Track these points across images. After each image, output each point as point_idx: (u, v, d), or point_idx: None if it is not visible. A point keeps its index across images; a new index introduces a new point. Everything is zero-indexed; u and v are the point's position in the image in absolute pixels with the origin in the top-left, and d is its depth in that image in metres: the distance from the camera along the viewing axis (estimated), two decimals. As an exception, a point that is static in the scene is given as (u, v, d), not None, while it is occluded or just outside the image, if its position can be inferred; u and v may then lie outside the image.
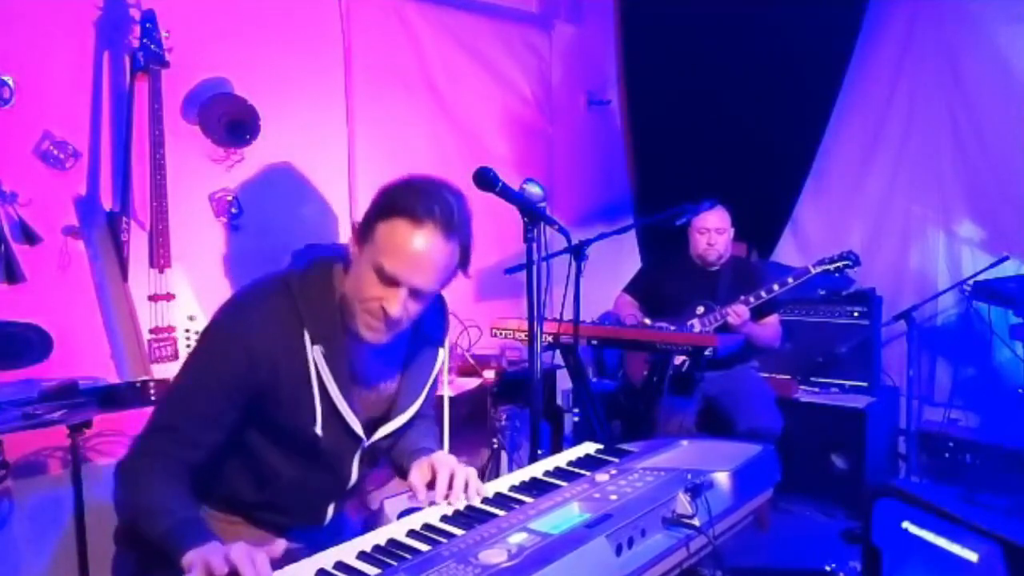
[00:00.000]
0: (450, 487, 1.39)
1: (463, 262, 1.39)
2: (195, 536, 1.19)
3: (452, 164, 3.67)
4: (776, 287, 3.22)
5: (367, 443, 1.48)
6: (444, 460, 1.44)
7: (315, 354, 1.37)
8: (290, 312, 1.37)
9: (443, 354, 1.59)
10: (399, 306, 1.31)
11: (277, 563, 1.13)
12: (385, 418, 1.52)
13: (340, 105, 3.33)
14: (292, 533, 1.45)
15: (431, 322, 1.55)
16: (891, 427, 3.84)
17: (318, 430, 1.38)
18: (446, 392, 1.69)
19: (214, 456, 1.39)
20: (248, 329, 1.34)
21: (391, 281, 1.30)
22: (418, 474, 1.45)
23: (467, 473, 1.41)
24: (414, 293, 1.33)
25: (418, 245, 1.28)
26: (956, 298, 3.72)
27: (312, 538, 1.46)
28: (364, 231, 1.33)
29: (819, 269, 3.23)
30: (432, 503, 1.38)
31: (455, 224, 1.31)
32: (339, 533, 1.51)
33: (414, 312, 1.36)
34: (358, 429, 1.44)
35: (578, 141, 4.51)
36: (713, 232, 3.36)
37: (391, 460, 1.62)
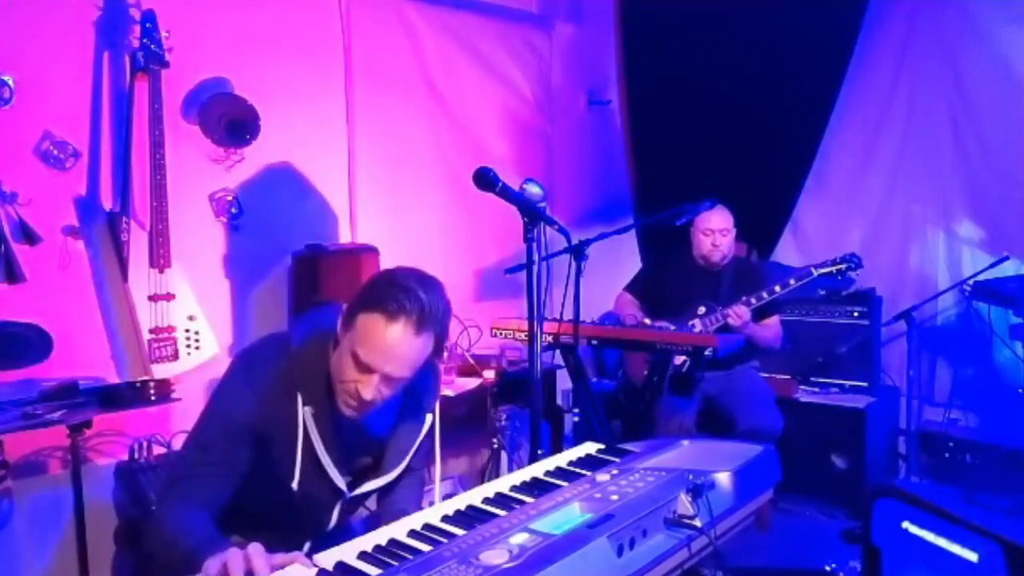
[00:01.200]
0: None
1: (436, 350, 1.51)
2: (215, 550, 1.22)
3: (452, 164, 3.68)
4: (777, 288, 3.22)
5: (349, 496, 1.61)
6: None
7: (305, 414, 1.50)
8: (287, 375, 1.51)
9: (431, 419, 1.69)
10: (371, 391, 1.44)
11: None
12: (374, 470, 1.65)
13: (340, 105, 3.33)
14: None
15: (423, 388, 1.65)
16: (891, 427, 3.84)
17: (295, 484, 1.51)
18: (437, 474, 1.78)
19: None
20: (254, 385, 1.49)
21: (365, 368, 1.43)
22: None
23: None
24: (387, 379, 1.44)
25: (390, 339, 1.40)
26: (956, 298, 3.72)
27: None
28: (347, 319, 1.46)
29: (821, 271, 3.23)
30: None
31: (427, 319, 1.42)
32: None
33: (388, 395, 1.48)
34: (340, 484, 1.57)
35: (578, 141, 4.51)
36: (718, 233, 3.36)
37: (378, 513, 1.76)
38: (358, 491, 1.62)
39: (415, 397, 1.65)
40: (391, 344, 1.40)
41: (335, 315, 1.53)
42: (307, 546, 1.58)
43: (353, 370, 1.44)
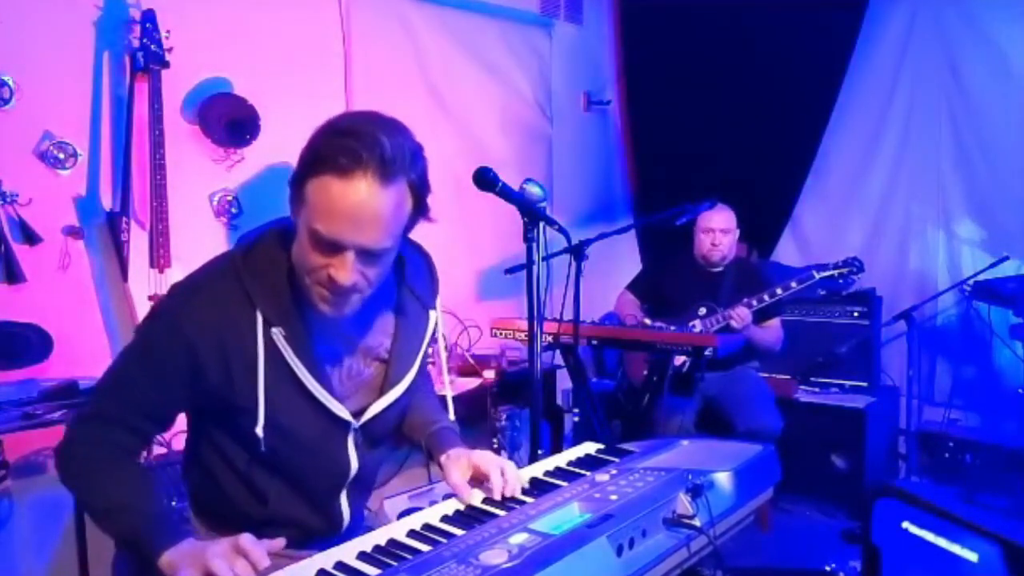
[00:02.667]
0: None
1: (418, 207, 1.23)
2: (168, 534, 1.17)
3: (452, 164, 3.68)
4: (779, 291, 3.21)
5: (357, 424, 1.35)
6: (488, 459, 1.38)
7: (275, 336, 1.23)
8: (238, 292, 1.23)
9: (435, 316, 1.45)
10: (349, 273, 1.15)
11: (280, 563, 1.13)
12: (379, 387, 1.39)
13: (340, 105, 3.33)
14: (315, 544, 1.38)
15: (419, 283, 1.43)
16: (891, 427, 3.84)
17: (259, 429, 1.25)
18: (447, 383, 1.62)
19: (208, 475, 1.37)
20: (192, 322, 1.21)
21: (333, 246, 1.14)
22: (458, 473, 1.37)
23: (511, 467, 1.36)
24: (365, 255, 1.16)
25: (352, 199, 1.11)
26: (956, 298, 3.72)
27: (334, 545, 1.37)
28: (296, 194, 1.18)
29: (823, 275, 3.22)
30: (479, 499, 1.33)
31: (392, 165, 1.13)
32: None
33: (374, 276, 1.20)
34: (341, 412, 1.31)
35: (578, 141, 4.51)
36: (718, 232, 3.36)
37: (407, 436, 1.53)
38: (366, 417, 1.36)
39: (411, 293, 1.41)
40: (354, 206, 1.11)
41: (279, 227, 1.29)
42: (345, 508, 1.43)
43: (318, 255, 1.16)
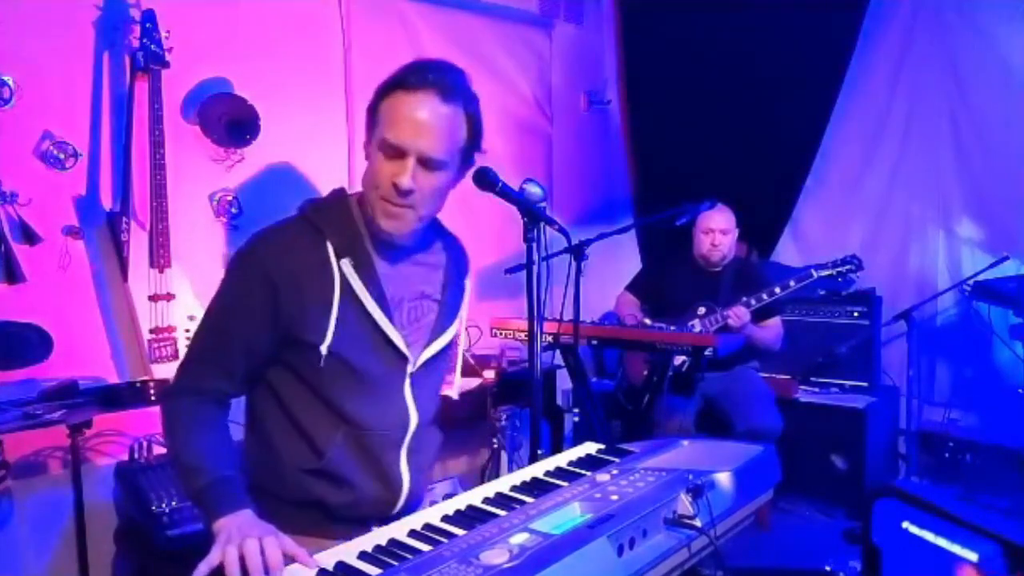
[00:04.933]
0: None
1: (473, 136, 1.41)
2: (228, 502, 1.21)
3: (452, 164, 3.68)
4: (778, 290, 3.22)
5: (414, 365, 1.44)
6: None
7: (345, 267, 1.36)
8: (311, 231, 1.37)
9: (468, 286, 1.61)
10: (408, 176, 1.30)
11: (304, 542, 1.15)
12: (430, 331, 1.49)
13: (340, 105, 3.33)
14: (368, 520, 1.41)
15: (456, 254, 1.59)
16: (891, 427, 3.84)
17: (324, 348, 1.33)
18: (458, 371, 1.69)
19: (265, 438, 1.40)
20: (269, 258, 1.34)
21: (397, 152, 1.31)
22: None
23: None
24: (424, 163, 1.32)
25: (415, 109, 1.30)
26: (956, 298, 3.72)
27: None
28: (370, 119, 1.36)
29: (822, 274, 3.22)
30: None
31: (453, 90, 1.33)
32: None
33: (427, 187, 1.34)
34: (401, 344, 1.40)
35: (578, 141, 4.51)
36: (718, 232, 3.36)
37: None
38: (421, 358, 1.45)
39: (453, 261, 1.56)
40: (416, 112, 1.30)
41: (336, 189, 1.47)
42: (405, 476, 1.45)
43: (386, 164, 1.32)
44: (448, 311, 1.52)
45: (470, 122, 1.39)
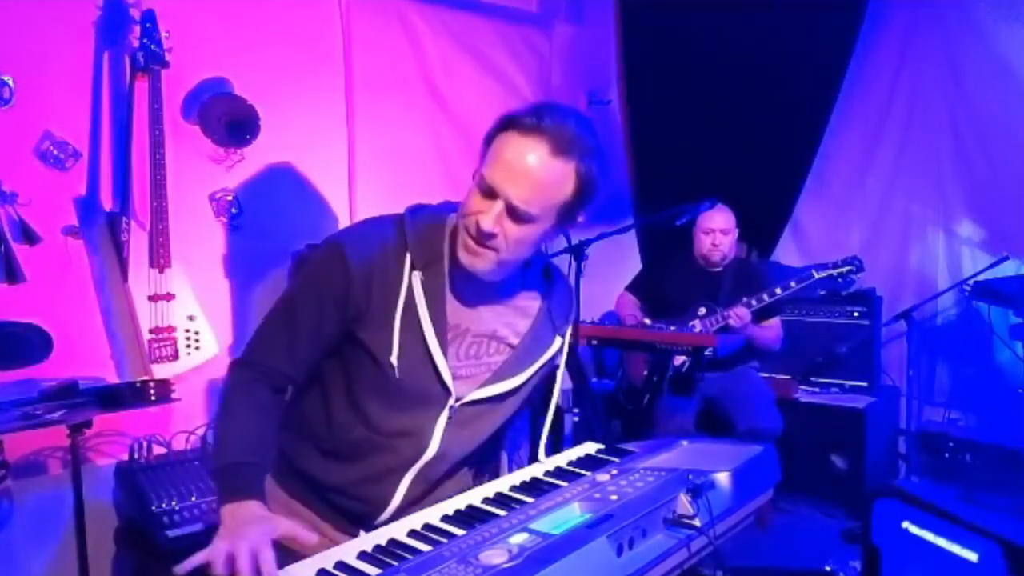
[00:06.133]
0: None
1: (581, 195, 1.27)
2: (238, 488, 1.20)
3: (452, 164, 3.67)
4: (778, 291, 3.22)
5: (456, 400, 1.36)
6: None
7: (413, 278, 1.31)
8: (396, 237, 1.33)
9: (560, 343, 1.48)
10: (492, 219, 1.22)
11: (281, 562, 1.13)
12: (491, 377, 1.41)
13: (340, 105, 3.33)
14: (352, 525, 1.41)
15: (558, 305, 1.48)
16: (891, 427, 3.84)
17: (393, 359, 1.29)
18: (558, 388, 1.56)
19: (308, 381, 1.40)
20: (351, 250, 1.30)
21: (489, 192, 1.23)
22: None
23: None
24: (511, 212, 1.22)
25: (519, 155, 1.21)
26: (956, 298, 3.72)
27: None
28: (483, 148, 1.30)
29: (823, 274, 3.22)
30: None
31: (569, 144, 1.21)
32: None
33: (512, 236, 1.25)
34: (446, 374, 1.32)
35: (578, 141, 4.50)
36: (718, 233, 3.36)
37: None
38: (471, 396, 1.37)
39: (549, 312, 1.45)
40: (519, 158, 1.21)
41: (449, 205, 1.39)
42: (400, 490, 1.40)
43: (477, 198, 1.25)
44: (521, 359, 1.42)
45: (580, 180, 1.25)
